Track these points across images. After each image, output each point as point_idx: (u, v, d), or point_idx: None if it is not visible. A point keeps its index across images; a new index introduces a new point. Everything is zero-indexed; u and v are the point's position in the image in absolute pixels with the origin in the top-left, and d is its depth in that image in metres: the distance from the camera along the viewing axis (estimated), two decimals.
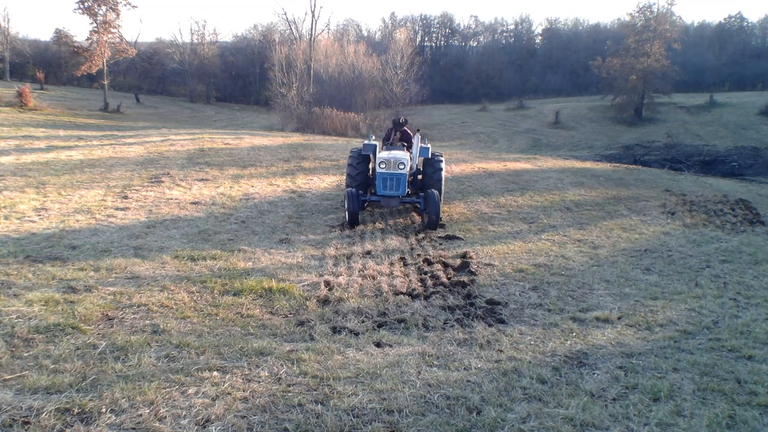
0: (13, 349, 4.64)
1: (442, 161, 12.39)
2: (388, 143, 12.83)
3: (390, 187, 11.18)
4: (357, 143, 25.88)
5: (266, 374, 4.47)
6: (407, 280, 8.00)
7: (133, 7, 42.86)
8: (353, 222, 10.78)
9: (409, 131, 13.04)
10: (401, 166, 11.15)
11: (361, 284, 7.61)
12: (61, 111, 34.51)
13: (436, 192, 11.07)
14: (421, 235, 10.72)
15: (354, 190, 10.97)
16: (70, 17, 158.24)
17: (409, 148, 12.53)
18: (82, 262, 7.67)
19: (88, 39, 40.56)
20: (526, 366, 4.98)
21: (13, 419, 3.47)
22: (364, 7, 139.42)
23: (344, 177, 12.93)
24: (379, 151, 12.28)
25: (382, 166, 11.14)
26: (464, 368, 4.91)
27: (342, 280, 7.71)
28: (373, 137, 12.21)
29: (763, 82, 60.24)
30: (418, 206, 11.82)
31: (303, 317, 6.15)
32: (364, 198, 11.26)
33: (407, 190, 11.61)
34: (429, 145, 12.46)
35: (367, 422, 3.78)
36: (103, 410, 3.68)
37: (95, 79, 49.77)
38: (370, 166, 12.42)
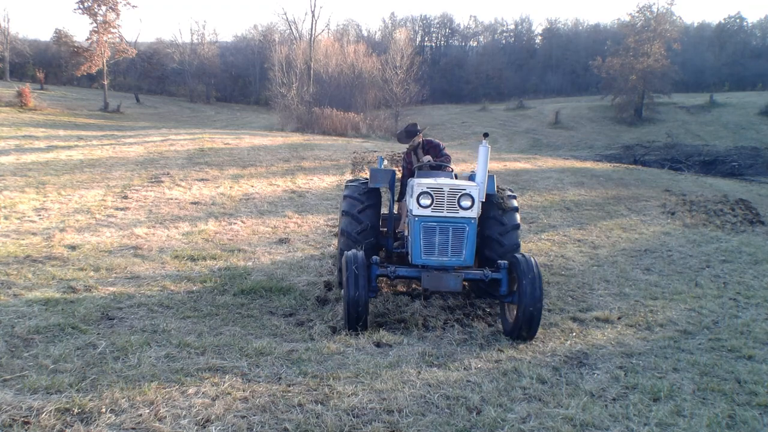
0: (13, 349, 4.64)
1: (516, 205, 7.00)
2: (412, 169, 7.21)
3: (441, 248, 5.79)
4: (356, 143, 25.76)
5: (266, 374, 4.47)
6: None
7: (133, 7, 42.87)
8: (356, 321, 5.62)
9: (438, 143, 7.61)
10: (466, 203, 5.78)
11: None
12: (61, 111, 34.51)
13: (532, 259, 5.75)
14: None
15: (359, 254, 5.74)
16: (70, 17, 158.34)
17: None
18: (82, 262, 7.67)
19: (88, 39, 40.54)
20: (526, 366, 4.98)
21: (13, 419, 3.47)
22: (364, 7, 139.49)
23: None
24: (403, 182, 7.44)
25: (425, 201, 5.79)
26: (464, 368, 4.90)
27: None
28: (385, 162, 7.86)
29: (763, 82, 60.24)
30: (479, 282, 6.35)
31: (303, 317, 6.15)
32: (382, 272, 5.84)
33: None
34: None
35: (367, 422, 3.78)
36: (103, 410, 3.67)
37: (95, 79, 49.76)
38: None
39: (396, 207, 7.64)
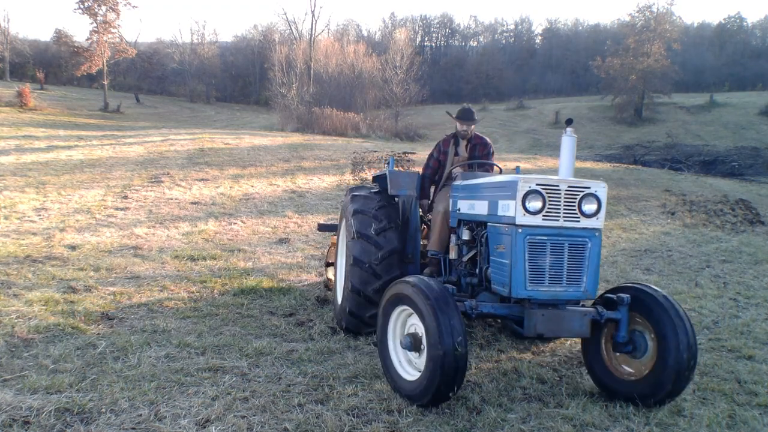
0: (13, 349, 4.64)
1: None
2: (439, 170, 6.13)
3: (554, 273, 4.15)
4: (356, 143, 25.75)
5: (266, 374, 4.47)
6: None
7: (133, 7, 43.08)
8: (452, 386, 3.89)
9: (489, 141, 6.18)
10: (590, 207, 4.18)
11: None
12: (61, 111, 34.51)
13: (671, 296, 4.33)
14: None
15: (435, 283, 4.11)
16: (70, 17, 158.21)
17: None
18: (82, 262, 7.67)
19: (88, 39, 40.65)
20: (526, 366, 4.98)
21: (13, 419, 3.47)
22: (364, 7, 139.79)
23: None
24: (431, 191, 6.17)
25: (534, 205, 4.09)
26: None
27: None
28: (393, 163, 6.61)
29: (763, 82, 60.26)
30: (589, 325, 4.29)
31: (303, 317, 6.15)
32: (475, 309, 4.24)
33: None
34: None
35: (367, 422, 3.78)
36: (103, 410, 3.68)
37: (95, 79, 49.81)
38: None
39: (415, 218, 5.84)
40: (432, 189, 6.24)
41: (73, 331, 5.15)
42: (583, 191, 4.15)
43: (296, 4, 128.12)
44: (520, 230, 4.08)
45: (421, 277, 4.26)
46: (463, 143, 6.06)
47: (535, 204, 4.07)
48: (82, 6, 39.27)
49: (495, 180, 4.68)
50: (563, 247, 4.12)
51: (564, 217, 4.11)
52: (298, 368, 4.63)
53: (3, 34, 51.60)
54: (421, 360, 4.04)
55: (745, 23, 77.70)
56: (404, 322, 4.31)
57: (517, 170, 6.49)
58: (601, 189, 4.18)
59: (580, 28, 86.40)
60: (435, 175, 6.17)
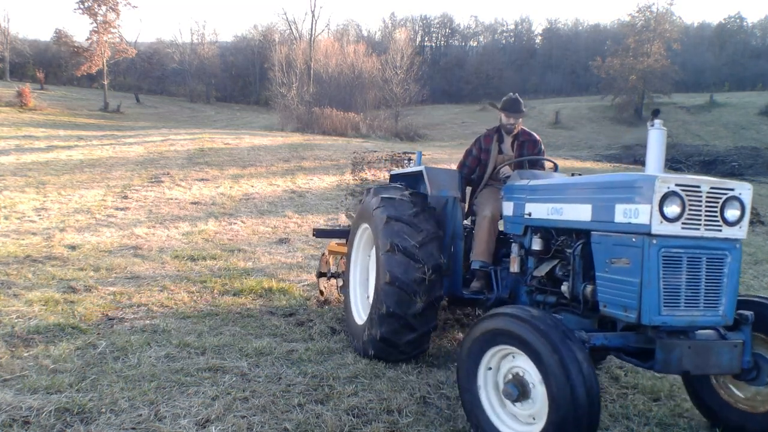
0: (13, 349, 4.64)
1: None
2: (478, 170, 5.43)
3: (690, 294, 3.34)
4: (356, 143, 25.76)
5: (266, 374, 4.47)
6: None
7: (133, 7, 43.17)
8: None
9: (538, 138, 5.55)
10: (733, 213, 3.40)
11: None
12: (61, 111, 34.52)
13: None
14: None
15: (550, 317, 3.23)
16: (70, 17, 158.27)
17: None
18: (82, 262, 7.67)
19: (88, 39, 40.71)
20: None
21: (13, 419, 3.47)
22: (364, 7, 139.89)
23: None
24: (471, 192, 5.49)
25: (673, 210, 3.25)
26: None
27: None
28: (421, 158, 6.12)
29: (763, 82, 60.29)
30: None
31: (303, 317, 6.15)
32: (587, 342, 3.32)
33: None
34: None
35: (367, 422, 3.78)
36: (103, 410, 3.67)
37: (95, 79, 49.81)
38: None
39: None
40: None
41: (73, 331, 5.15)
42: (726, 194, 3.40)
43: (296, 4, 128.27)
44: (654, 241, 3.27)
45: (522, 307, 3.52)
46: (508, 140, 5.31)
47: (673, 209, 3.28)
48: (82, 6, 39.32)
49: (610, 178, 3.80)
50: (700, 262, 3.37)
51: (705, 225, 3.36)
52: (298, 368, 4.62)
53: (3, 34, 51.60)
54: (531, 411, 3.25)
55: (745, 23, 77.77)
56: (497, 367, 3.48)
57: (555, 168, 5.68)
58: (746, 192, 3.45)
59: (580, 28, 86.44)
60: (472, 175, 5.47)
